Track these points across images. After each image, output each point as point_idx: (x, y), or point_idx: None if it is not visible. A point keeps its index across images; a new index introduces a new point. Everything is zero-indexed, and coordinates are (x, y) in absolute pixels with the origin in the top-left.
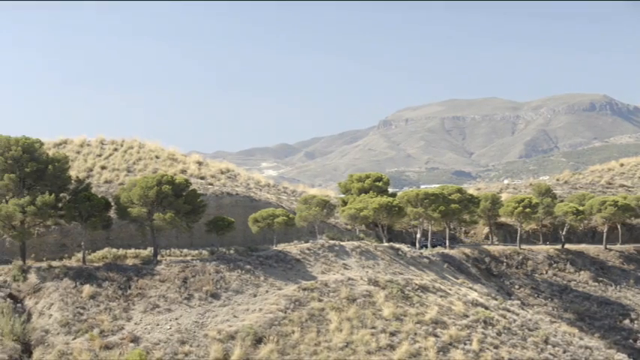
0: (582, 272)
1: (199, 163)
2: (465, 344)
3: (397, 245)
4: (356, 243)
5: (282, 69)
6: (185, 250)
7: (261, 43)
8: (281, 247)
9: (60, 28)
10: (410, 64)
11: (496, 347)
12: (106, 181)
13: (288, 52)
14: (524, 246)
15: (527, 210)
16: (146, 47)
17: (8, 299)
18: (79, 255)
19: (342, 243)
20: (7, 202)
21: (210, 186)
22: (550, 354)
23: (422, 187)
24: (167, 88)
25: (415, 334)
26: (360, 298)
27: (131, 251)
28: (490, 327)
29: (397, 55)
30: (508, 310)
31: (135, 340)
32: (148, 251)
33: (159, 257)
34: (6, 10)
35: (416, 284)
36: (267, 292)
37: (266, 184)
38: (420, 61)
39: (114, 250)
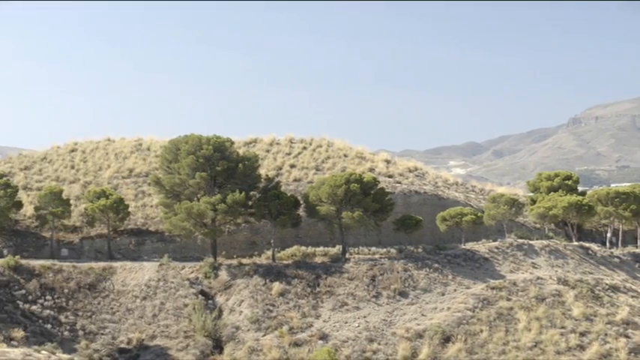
0: None
1: (387, 162)
2: None
3: (587, 244)
4: (545, 242)
5: (468, 68)
6: (373, 249)
7: (447, 43)
8: (469, 245)
9: (253, 28)
10: (600, 62)
11: None
12: (295, 180)
13: (474, 51)
14: None
15: None
16: (329, 47)
17: (200, 296)
18: (269, 252)
19: (530, 242)
20: (198, 200)
21: (398, 184)
22: None
23: (612, 185)
24: (355, 88)
25: (605, 334)
26: (549, 298)
27: (320, 249)
28: None
29: (585, 53)
30: None
31: (323, 337)
32: (336, 249)
33: (347, 255)
34: (194, 9)
35: (606, 284)
36: (455, 290)
37: (454, 183)
38: (609, 59)
39: (303, 247)
